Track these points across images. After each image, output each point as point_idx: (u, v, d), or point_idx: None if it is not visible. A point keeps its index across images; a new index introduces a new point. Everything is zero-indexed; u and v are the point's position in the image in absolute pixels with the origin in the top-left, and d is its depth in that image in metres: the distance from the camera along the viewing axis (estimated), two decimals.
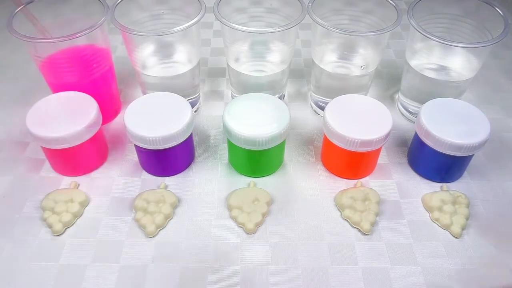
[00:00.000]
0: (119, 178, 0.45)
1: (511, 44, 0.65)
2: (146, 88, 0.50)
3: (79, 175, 0.45)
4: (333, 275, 0.37)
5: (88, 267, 0.38)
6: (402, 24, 0.45)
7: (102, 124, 0.45)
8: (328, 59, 0.50)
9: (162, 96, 0.45)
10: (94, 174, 0.46)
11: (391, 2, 0.47)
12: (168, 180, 0.45)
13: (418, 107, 0.50)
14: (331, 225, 0.41)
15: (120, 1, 0.46)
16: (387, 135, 0.41)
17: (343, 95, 0.45)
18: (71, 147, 0.42)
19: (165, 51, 0.49)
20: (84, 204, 0.42)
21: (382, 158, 0.48)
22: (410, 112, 0.53)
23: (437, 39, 0.43)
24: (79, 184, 0.44)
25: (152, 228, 0.40)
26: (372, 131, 0.41)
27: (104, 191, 0.44)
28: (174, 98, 0.45)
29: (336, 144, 0.42)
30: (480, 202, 0.44)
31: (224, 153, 0.48)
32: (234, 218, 0.41)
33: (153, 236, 0.40)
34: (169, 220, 0.41)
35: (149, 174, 0.46)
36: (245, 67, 0.50)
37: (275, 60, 0.50)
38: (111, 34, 0.53)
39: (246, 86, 0.51)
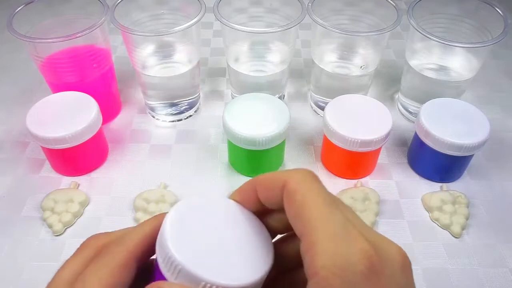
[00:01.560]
0: (119, 178, 0.45)
1: (511, 44, 0.65)
2: (146, 88, 0.50)
3: (79, 175, 0.45)
4: None
5: None
6: (402, 24, 0.45)
7: (102, 124, 0.45)
8: (328, 59, 0.50)
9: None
10: (94, 174, 0.46)
11: (391, 2, 0.47)
12: (168, 180, 0.45)
13: (418, 107, 0.50)
14: None
15: (120, 1, 0.46)
16: (387, 135, 0.41)
17: (343, 95, 0.45)
18: (71, 147, 0.42)
19: (165, 51, 0.49)
20: (84, 204, 0.42)
21: (382, 158, 0.48)
22: (410, 112, 0.53)
23: (437, 39, 0.43)
24: (79, 184, 0.44)
25: None
26: (372, 131, 0.41)
27: (104, 191, 0.44)
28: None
29: (336, 144, 0.42)
30: (480, 202, 0.44)
31: (224, 153, 0.48)
32: None
33: None
34: None
35: (149, 174, 0.46)
36: (245, 67, 0.50)
37: (275, 60, 0.50)
38: (111, 34, 0.53)
39: (246, 86, 0.51)
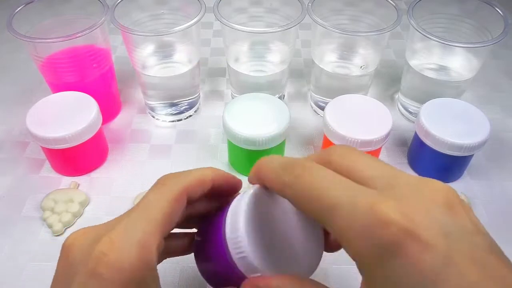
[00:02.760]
0: (119, 178, 0.45)
1: (511, 44, 0.65)
2: (146, 88, 0.50)
3: (79, 175, 0.45)
4: (333, 276, 0.37)
5: None
6: (402, 24, 0.45)
7: (102, 124, 0.45)
8: (328, 59, 0.50)
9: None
10: (94, 174, 0.46)
11: (391, 2, 0.47)
12: None
13: (418, 107, 0.50)
14: None
15: (120, 1, 0.46)
16: (387, 135, 0.41)
17: (343, 95, 0.45)
18: (71, 147, 0.42)
19: (165, 51, 0.49)
20: (84, 204, 0.42)
21: (382, 158, 0.48)
22: (410, 112, 0.53)
23: (437, 39, 0.43)
24: (79, 184, 0.44)
25: None
26: (372, 131, 0.41)
27: (104, 191, 0.44)
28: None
29: (336, 144, 0.42)
30: (480, 202, 0.44)
31: (224, 153, 0.48)
32: None
33: None
34: None
35: (149, 174, 0.46)
36: (245, 67, 0.50)
37: (275, 60, 0.50)
38: (111, 34, 0.53)
39: (246, 86, 0.51)
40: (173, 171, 0.46)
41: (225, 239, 0.23)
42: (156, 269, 0.23)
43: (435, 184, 0.19)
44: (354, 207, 0.18)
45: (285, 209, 0.24)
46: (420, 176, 0.20)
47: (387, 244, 0.17)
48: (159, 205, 0.23)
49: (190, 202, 0.25)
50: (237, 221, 0.22)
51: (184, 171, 0.26)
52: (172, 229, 0.25)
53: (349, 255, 0.18)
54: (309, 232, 0.25)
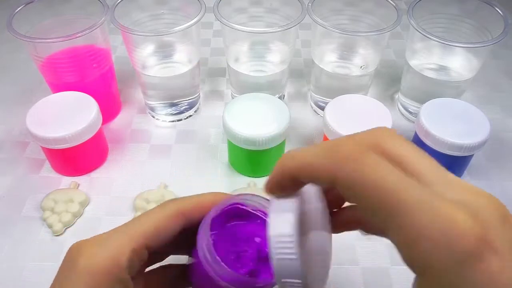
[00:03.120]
0: (119, 178, 0.45)
1: (511, 44, 0.65)
2: (146, 88, 0.50)
3: (79, 175, 0.45)
4: (333, 275, 0.37)
5: None
6: (402, 24, 0.45)
7: (102, 124, 0.45)
8: (328, 59, 0.50)
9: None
10: (94, 174, 0.46)
11: (391, 2, 0.47)
12: (168, 180, 0.45)
13: (418, 107, 0.50)
14: None
15: (120, 1, 0.46)
16: None
17: (343, 95, 0.45)
18: (71, 147, 0.42)
19: (165, 51, 0.49)
20: (84, 204, 0.42)
21: None
22: (410, 112, 0.53)
23: (437, 39, 0.43)
24: (79, 184, 0.44)
25: None
26: None
27: (104, 191, 0.44)
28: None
29: None
30: None
31: (224, 153, 0.48)
32: None
33: None
34: None
35: (149, 174, 0.46)
36: (245, 67, 0.50)
37: (275, 60, 0.50)
38: (111, 34, 0.53)
39: (246, 86, 0.51)
40: (173, 171, 0.46)
41: (202, 257, 0.24)
42: (126, 273, 0.23)
43: (486, 195, 0.19)
44: (434, 214, 0.16)
45: (309, 215, 0.23)
46: (465, 182, 0.19)
47: (466, 254, 0.16)
48: (150, 219, 0.25)
49: (191, 224, 0.26)
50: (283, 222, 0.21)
51: (186, 196, 0.27)
52: (162, 244, 0.25)
53: (414, 261, 0.17)
54: (327, 239, 0.24)
